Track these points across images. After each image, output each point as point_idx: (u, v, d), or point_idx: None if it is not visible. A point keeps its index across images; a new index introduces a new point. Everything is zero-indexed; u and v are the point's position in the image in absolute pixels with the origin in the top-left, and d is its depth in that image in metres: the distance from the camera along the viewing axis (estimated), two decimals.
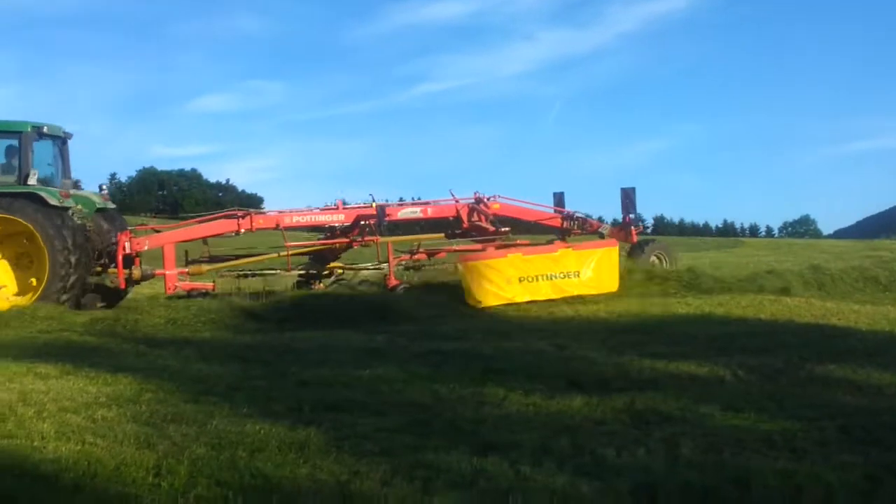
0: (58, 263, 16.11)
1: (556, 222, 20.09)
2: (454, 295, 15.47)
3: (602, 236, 19.22)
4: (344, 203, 18.73)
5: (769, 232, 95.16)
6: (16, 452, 5.67)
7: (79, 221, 16.89)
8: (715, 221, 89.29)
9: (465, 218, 18.81)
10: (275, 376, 8.74)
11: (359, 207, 18.40)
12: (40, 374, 8.65)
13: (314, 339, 11.77)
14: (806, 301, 14.88)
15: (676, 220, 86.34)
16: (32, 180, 16.67)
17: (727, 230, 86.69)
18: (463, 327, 12.64)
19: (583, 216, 20.21)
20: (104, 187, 19.84)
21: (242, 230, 17.64)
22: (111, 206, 18.90)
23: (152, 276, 17.35)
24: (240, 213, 18.25)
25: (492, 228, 18.26)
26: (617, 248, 16.62)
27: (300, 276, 18.03)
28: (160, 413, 6.89)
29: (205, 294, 16.65)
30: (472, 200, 18.96)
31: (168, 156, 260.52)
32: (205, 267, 17.62)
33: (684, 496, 4.81)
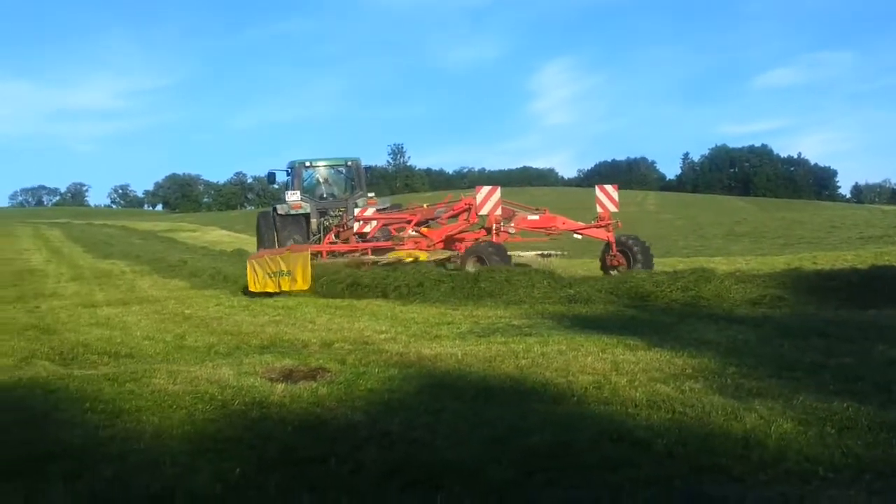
0: (262, 244, 24.93)
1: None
2: None
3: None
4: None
5: None
6: (612, 418, 6.19)
7: (325, 222, 24.92)
8: None
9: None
10: (861, 354, 8.38)
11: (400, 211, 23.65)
12: (629, 346, 9.20)
13: None
14: None
15: None
16: (291, 198, 24.95)
17: None
18: None
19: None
20: (372, 195, 25.98)
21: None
22: (377, 207, 24.46)
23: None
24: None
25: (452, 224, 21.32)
26: (307, 253, 18.81)
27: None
28: (745, 387, 7.01)
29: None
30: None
31: (737, 133, 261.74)
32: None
33: None
